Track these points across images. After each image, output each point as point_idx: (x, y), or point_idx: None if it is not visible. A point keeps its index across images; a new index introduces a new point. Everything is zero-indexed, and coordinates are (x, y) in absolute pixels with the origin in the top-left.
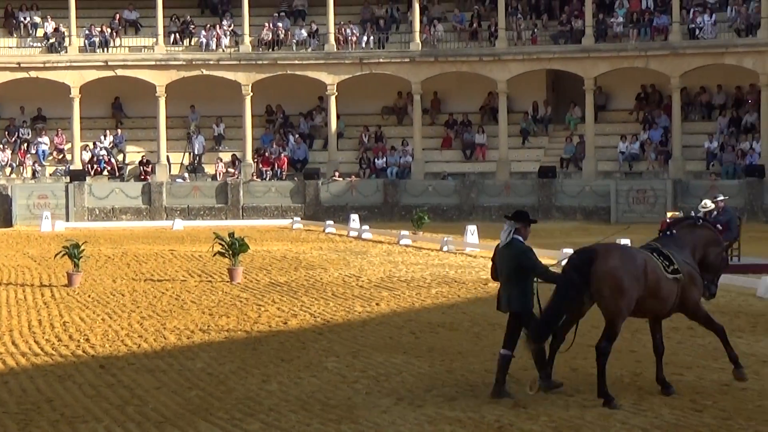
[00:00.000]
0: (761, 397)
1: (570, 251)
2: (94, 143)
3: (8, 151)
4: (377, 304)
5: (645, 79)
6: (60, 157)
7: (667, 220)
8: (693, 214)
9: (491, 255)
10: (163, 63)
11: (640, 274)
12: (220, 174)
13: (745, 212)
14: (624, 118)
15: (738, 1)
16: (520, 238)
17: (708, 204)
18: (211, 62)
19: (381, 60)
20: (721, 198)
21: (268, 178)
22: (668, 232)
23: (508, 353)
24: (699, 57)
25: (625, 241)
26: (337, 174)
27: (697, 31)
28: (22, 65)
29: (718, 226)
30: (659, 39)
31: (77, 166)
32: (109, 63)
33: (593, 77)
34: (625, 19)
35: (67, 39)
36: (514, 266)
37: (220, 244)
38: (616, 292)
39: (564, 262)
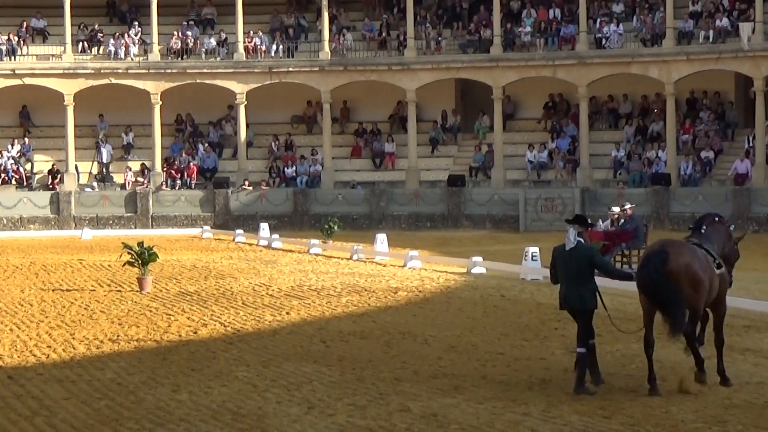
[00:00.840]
0: (668, 403)
1: (479, 259)
2: (1, 152)
3: None
4: (287, 313)
5: (553, 89)
6: None
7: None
8: (600, 221)
9: (550, 260)
10: (71, 71)
11: (708, 268)
12: (129, 183)
13: (652, 220)
14: (532, 126)
15: (644, 12)
16: (582, 240)
17: (615, 210)
18: (120, 71)
19: (290, 69)
20: (629, 206)
21: (177, 187)
22: (700, 230)
23: (584, 351)
24: (606, 66)
25: (535, 249)
26: (246, 183)
27: (604, 41)
28: None
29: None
30: (566, 48)
31: None
32: (17, 71)
33: (501, 86)
34: (532, 28)
35: None
36: (585, 265)
37: (129, 253)
38: (696, 285)
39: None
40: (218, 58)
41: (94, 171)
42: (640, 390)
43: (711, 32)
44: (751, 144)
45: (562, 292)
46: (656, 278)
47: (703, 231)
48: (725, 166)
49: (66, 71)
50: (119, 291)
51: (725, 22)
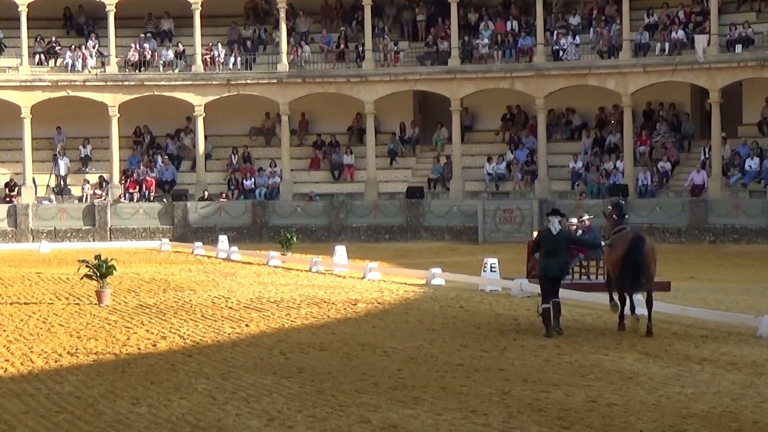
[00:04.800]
0: (627, 413)
1: (438, 270)
2: None
3: None
4: (247, 325)
5: (511, 100)
6: None
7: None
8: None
9: (536, 238)
10: (28, 84)
11: None
12: (87, 196)
13: None
14: (490, 138)
15: (600, 24)
16: (561, 226)
17: (573, 221)
18: (77, 83)
19: (248, 81)
20: (587, 217)
21: (135, 200)
22: (624, 217)
23: (549, 306)
24: (563, 78)
25: (493, 260)
26: (205, 195)
27: (561, 53)
28: None
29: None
30: (524, 60)
31: None
32: None
33: (459, 98)
34: (490, 40)
35: None
36: (566, 244)
37: (87, 266)
38: (656, 260)
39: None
40: (176, 71)
41: (52, 184)
42: (600, 400)
43: (667, 44)
44: (707, 155)
45: (545, 264)
46: (640, 255)
47: (626, 218)
48: (682, 177)
49: (23, 83)
50: (78, 304)
51: (681, 34)
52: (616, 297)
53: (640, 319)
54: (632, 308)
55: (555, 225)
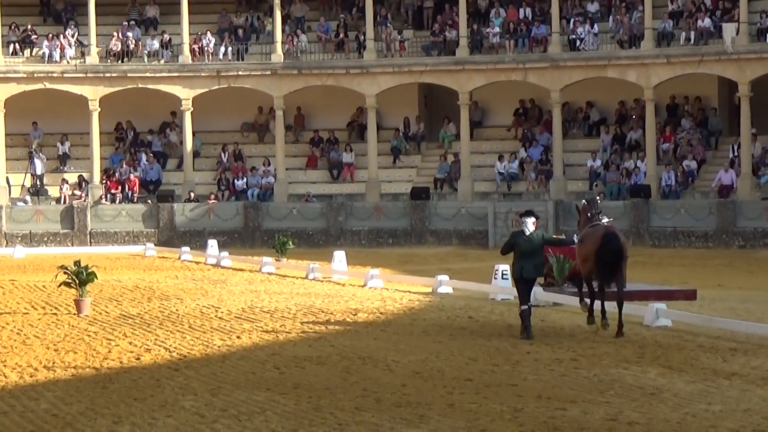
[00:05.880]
0: (649, 431)
1: (445, 278)
2: None
3: None
4: (238, 337)
5: (524, 94)
6: None
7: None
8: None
9: (509, 239)
10: (1, 75)
11: None
12: (65, 197)
13: (631, 235)
14: (502, 135)
15: (620, 11)
16: (534, 227)
17: None
18: (55, 75)
19: (240, 72)
20: (606, 220)
21: (117, 201)
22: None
23: (527, 308)
24: (580, 70)
25: (505, 267)
26: (193, 196)
27: (578, 43)
28: None
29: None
30: (538, 51)
31: None
32: None
33: (468, 91)
34: (501, 29)
35: None
36: (540, 245)
37: (66, 273)
38: (626, 255)
39: (591, 235)
40: (162, 61)
41: (27, 184)
42: (620, 418)
43: (692, 33)
44: (736, 153)
45: (520, 266)
46: (614, 252)
47: (600, 216)
48: (709, 177)
49: None
50: (55, 314)
51: (707, 22)
52: (587, 298)
53: (610, 323)
54: (603, 312)
55: (528, 226)
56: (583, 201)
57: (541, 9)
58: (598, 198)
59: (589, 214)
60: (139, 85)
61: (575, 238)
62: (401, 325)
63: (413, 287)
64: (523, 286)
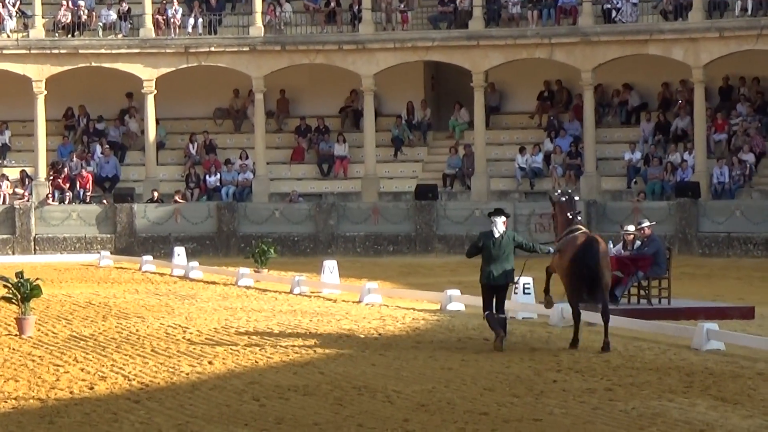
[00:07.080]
0: None
1: (456, 292)
2: None
3: None
4: (210, 363)
5: (549, 74)
6: None
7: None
8: (611, 243)
9: (475, 241)
10: None
11: None
12: (5, 196)
13: (676, 242)
14: (524, 123)
15: None
16: (505, 228)
17: (630, 230)
18: None
19: (213, 49)
20: (647, 224)
21: (67, 201)
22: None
23: (504, 316)
24: (616, 46)
25: (527, 280)
26: (156, 195)
27: (614, 14)
28: None
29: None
30: (566, 23)
31: None
32: None
33: (483, 71)
34: None
35: None
36: (511, 247)
37: (5, 286)
38: (610, 269)
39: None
40: (120, 35)
41: None
42: None
43: (750, 2)
44: None
45: (489, 271)
46: (593, 263)
47: (579, 216)
48: None
49: None
50: None
51: None
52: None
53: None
54: (575, 339)
55: (498, 227)
56: (560, 196)
57: None
58: (574, 194)
59: (569, 215)
60: (93, 64)
61: (550, 249)
62: (404, 348)
63: (418, 304)
64: (491, 294)
